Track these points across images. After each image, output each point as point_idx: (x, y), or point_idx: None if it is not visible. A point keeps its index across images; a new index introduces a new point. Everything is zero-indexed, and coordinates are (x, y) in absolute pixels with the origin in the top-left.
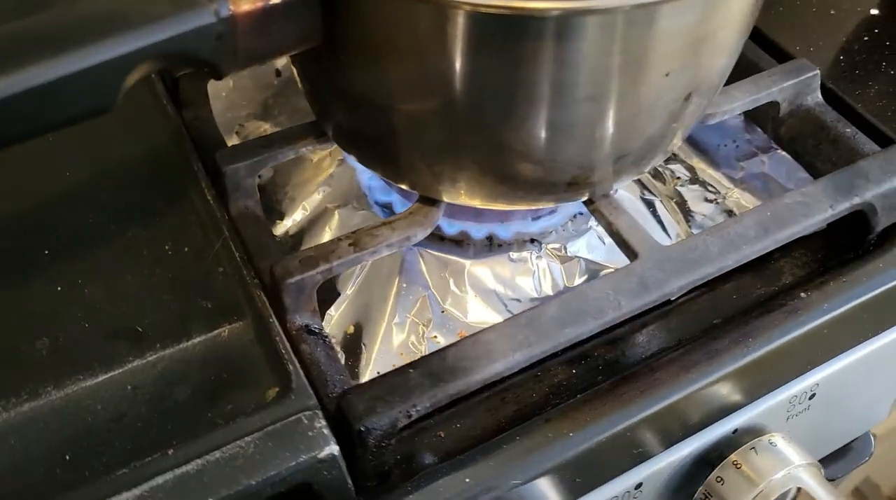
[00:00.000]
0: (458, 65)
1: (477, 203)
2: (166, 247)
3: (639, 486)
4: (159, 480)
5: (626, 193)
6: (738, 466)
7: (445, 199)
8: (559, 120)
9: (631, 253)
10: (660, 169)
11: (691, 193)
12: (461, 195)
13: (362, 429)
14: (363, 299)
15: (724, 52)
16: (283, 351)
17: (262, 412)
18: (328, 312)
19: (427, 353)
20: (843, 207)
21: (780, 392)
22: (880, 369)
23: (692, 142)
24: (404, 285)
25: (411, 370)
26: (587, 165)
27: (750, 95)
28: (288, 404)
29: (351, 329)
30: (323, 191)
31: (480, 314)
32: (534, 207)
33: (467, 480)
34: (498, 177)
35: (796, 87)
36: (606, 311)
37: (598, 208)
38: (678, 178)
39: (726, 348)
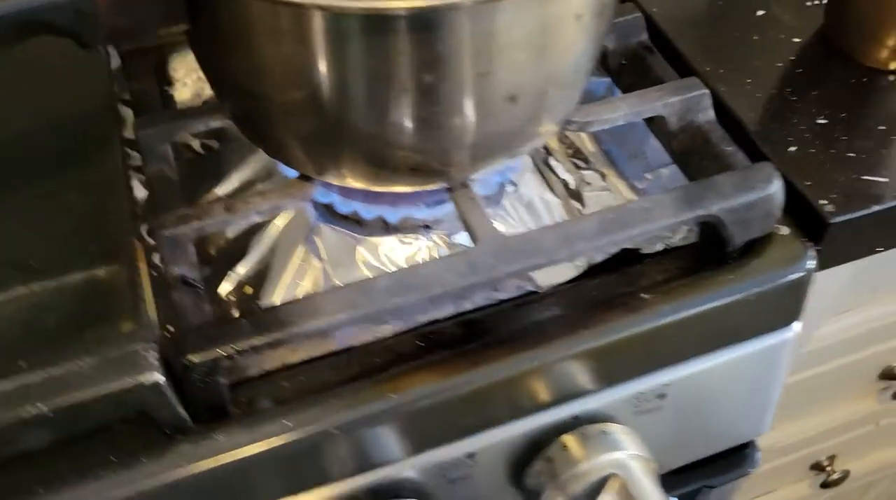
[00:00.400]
0: (296, 56)
1: (344, 183)
2: (75, 197)
3: (472, 455)
4: (7, 385)
5: (528, 192)
6: (565, 447)
7: (314, 176)
8: (384, 110)
9: (474, 239)
10: (572, 174)
11: (594, 199)
12: (334, 176)
13: (186, 363)
14: (267, 262)
15: (550, 62)
16: (142, 293)
17: (110, 342)
18: (235, 269)
19: None
20: (686, 216)
21: (624, 387)
22: (746, 379)
23: (608, 152)
24: (304, 255)
25: (243, 319)
26: (426, 153)
27: (632, 108)
28: (133, 337)
29: (249, 290)
30: (253, 166)
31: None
32: (393, 190)
33: (287, 423)
34: (352, 160)
35: (684, 103)
36: (432, 286)
37: (455, 197)
38: (588, 184)
39: (558, 335)
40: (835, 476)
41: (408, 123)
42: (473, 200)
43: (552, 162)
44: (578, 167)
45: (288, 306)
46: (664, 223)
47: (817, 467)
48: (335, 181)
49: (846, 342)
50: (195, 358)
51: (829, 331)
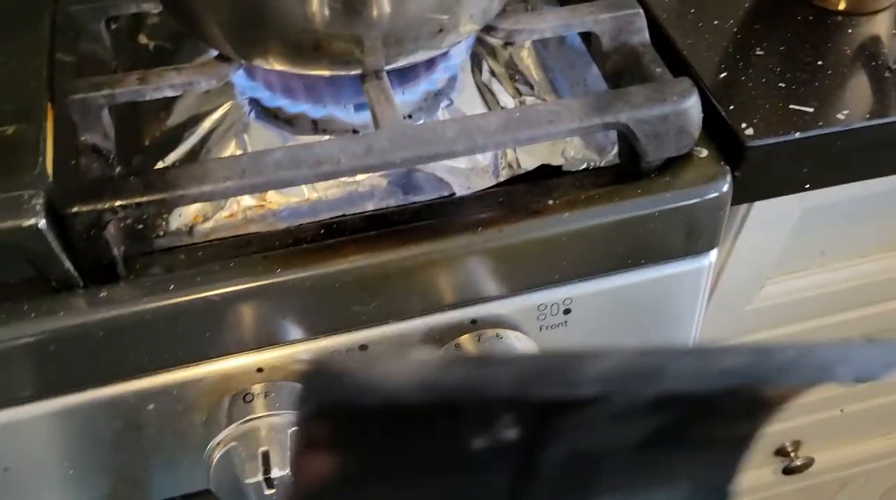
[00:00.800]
0: None
1: (262, 63)
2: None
3: (364, 347)
4: None
5: (464, 109)
6: (458, 347)
7: (232, 56)
8: None
9: (376, 124)
10: (514, 99)
11: None
12: (250, 54)
13: (69, 214)
14: (197, 154)
15: None
16: (43, 149)
17: (2, 189)
18: (166, 157)
19: (226, 215)
20: (592, 122)
21: (527, 297)
22: (659, 307)
23: (553, 80)
24: (233, 150)
25: (132, 177)
26: (336, 34)
27: (562, 20)
28: (22, 185)
29: None
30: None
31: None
32: (310, 73)
33: (171, 285)
34: (265, 38)
35: (615, 22)
36: (323, 164)
37: (367, 86)
38: None
39: (455, 231)
40: (797, 462)
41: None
42: (384, 90)
43: (494, 86)
44: (521, 93)
45: (178, 168)
46: (570, 127)
47: (781, 452)
48: (254, 61)
49: (795, 307)
50: (77, 209)
51: (776, 291)
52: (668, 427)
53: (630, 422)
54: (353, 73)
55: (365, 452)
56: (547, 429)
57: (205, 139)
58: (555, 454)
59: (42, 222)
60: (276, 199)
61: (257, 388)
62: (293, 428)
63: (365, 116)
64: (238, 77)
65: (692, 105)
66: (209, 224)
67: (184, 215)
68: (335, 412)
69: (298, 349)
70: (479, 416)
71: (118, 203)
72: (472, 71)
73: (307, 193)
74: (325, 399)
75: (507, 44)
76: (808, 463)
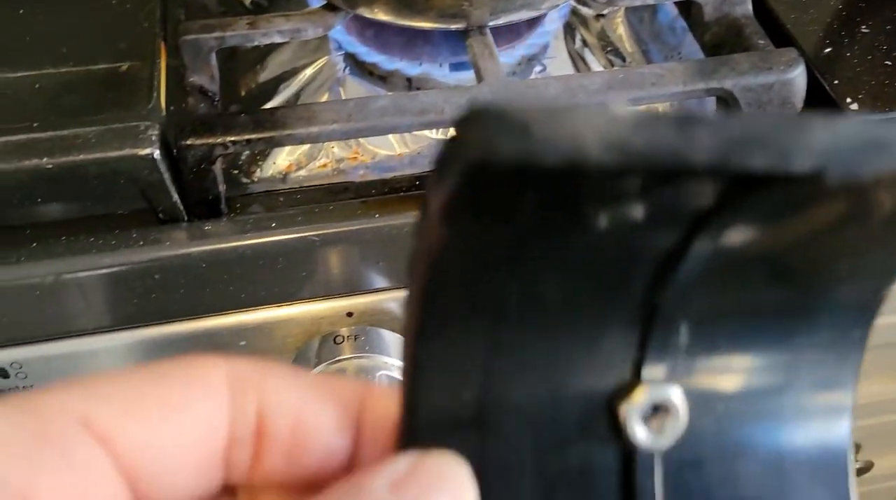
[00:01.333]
0: None
1: (367, 12)
2: (113, 3)
3: None
4: (13, 138)
5: (561, 73)
6: None
7: (339, 4)
8: None
9: (479, 78)
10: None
11: None
12: (357, 3)
13: (182, 146)
14: (292, 104)
15: None
16: (157, 85)
17: (118, 119)
18: (264, 106)
19: (319, 166)
20: (696, 86)
21: None
22: None
23: (647, 52)
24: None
25: (243, 114)
26: None
27: None
28: (138, 116)
29: None
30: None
31: (378, 141)
32: (415, 25)
33: (273, 225)
34: None
35: None
36: (428, 113)
37: (471, 40)
38: None
39: None
40: (857, 466)
41: None
42: (488, 45)
43: (587, 55)
44: (613, 64)
45: (288, 109)
46: (673, 90)
47: None
48: (360, 9)
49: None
50: (191, 141)
51: None
52: (838, 222)
53: (811, 211)
54: (456, 27)
55: (511, 228)
56: (724, 212)
57: (299, 93)
58: (712, 245)
59: (157, 152)
60: (368, 150)
61: (346, 331)
62: (380, 372)
63: (460, 76)
64: (335, 32)
65: (798, 75)
66: (302, 173)
67: (277, 163)
68: (495, 171)
69: (387, 297)
70: (659, 188)
71: (229, 138)
72: (566, 39)
73: (398, 148)
74: (488, 154)
75: (599, 16)
76: (867, 467)
